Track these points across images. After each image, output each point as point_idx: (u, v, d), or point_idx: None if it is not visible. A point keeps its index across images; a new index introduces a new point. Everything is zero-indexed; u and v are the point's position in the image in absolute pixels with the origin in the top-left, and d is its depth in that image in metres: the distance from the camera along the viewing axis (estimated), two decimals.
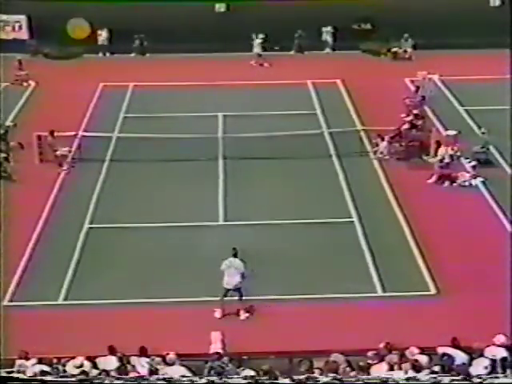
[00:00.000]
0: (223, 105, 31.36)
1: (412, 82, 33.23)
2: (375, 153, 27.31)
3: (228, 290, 19.10)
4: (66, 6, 37.05)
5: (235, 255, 19.31)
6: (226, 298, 19.09)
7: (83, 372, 15.89)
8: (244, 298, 19.24)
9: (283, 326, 18.40)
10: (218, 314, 19.01)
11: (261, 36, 37.56)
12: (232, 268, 19.10)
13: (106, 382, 14.78)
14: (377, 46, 38.42)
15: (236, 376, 15.60)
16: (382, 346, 16.65)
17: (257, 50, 37.54)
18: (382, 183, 25.53)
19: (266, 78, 34.26)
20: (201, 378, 15.29)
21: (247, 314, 19.08)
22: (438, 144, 26.49)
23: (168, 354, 16.55)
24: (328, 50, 39.38)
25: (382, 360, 16.34)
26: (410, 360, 16.08)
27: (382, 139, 27.26)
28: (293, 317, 18.72)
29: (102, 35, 38.70)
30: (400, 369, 15.82)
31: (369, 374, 15.75)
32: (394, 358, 16.32)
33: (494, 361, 16.15)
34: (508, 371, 15.71)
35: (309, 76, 34.94)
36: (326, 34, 39.21)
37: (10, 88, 33.69)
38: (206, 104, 31.58)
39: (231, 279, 19.01)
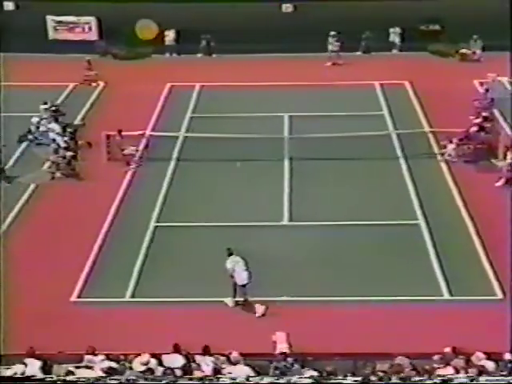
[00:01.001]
0: (289, 105, 31.31)
1: (481, 84, 32.72)
2: (443, 155, 27.03)
3: (243, 285, 19.50)
4: (135, 8, 37.42)
5: (231, 254, 19.69)
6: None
7: (149, 369, 16.07)
8: (308, 298, 19.25)
9: (348, 327, 18.35)
10: (230, 303, 19.44)
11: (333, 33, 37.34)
12: (239, 264, 19.52)
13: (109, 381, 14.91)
14: (445, 47, 37.96)
15: (300, 376, 15.60)
16: (448, 350, 16.48)
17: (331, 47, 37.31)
18: (449, 185, 25.24)
19: (332, 79, 34.11)
20: (266, 377, 15.37)
21: (263, 311, 19.31)
22: (507, 147, 26.10)
23: (232, 353, 16.63)
24: (395, 51, 39.05)
25: (447, 364, 16.17)
26: (476, 365, 15.90)
27: (450, 141, 26.97)
28: (357, 318, 18.66)
29: (170, 36, 38.97)
30: (466, 374, 15.64)
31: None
32: (459, 362, 16.14)
33: None
34: None
35: (376, 77, 34.70)
36: (394, 34, 38.88)
37: (80, 88, 34.17)
38: (272, 104, 31.56)
39: (242, 275, 19.45)
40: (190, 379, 15.32)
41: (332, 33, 37.15)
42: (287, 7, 38.66)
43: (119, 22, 37.42)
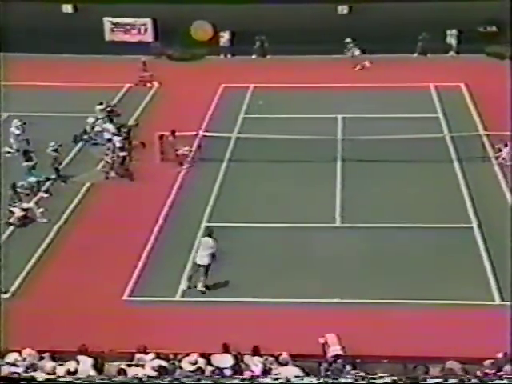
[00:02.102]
0: (343, 107, 31.22)
1: None
2: (497, 158, 26.70)
3: (199, 265, 20.15)
4: (190, 9, 37.66)
5: (209, 235, 20.39)
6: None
7: (198, 368, 16.12)
8: (359, 300, 19.24)
9: (398, 330, 18.23)
10: (184, 285, 20.25)
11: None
12: (204, 245, 20.20)
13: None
14: (502, 49, 37.48)
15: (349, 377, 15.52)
16: (500, 355, 16.26)
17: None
18: (503, 189, 24.94)
19: (388, 81, 33.91)
20: (318, 379, 15.32)
21: (204, 289, 20.04)
22: None
23: (281, 354, 16.60)
24: (452, 53, 38.70)
25: (499, 370, 15.95)
26: None
27: (506, 145, 26.63)
28: (408, 321, 18.53)
29: (224, 37, 39.15)
30: None
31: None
32: (510, 368, 15.90)
33: None
34: None
35: (432, 79, 34.41)
36: (451, 36, 38.55)
37: (135, 89, 34.49)
38: (325, 105, 31.51)
39: (201, 255, 20.13)
40: (242, 380, 15.41)
41: (347, 40, 37.29)
42: (343, 8, 38.54)
43: (175, 23, 37.77)
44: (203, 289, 20.18)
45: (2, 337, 17.56)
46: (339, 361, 16.38)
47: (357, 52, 37.62)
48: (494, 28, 38.03)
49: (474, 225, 22.86)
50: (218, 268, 20.77)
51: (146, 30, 39.34)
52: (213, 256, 20.18)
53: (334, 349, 16.81)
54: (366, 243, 21.94)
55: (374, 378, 12.89)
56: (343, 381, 14.02)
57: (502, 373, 15.66)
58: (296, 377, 15.20)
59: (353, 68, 36.60)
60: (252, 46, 38.86)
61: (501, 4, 36.26)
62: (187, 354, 16.58)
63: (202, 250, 20.27)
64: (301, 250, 21.82)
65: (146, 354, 16.73)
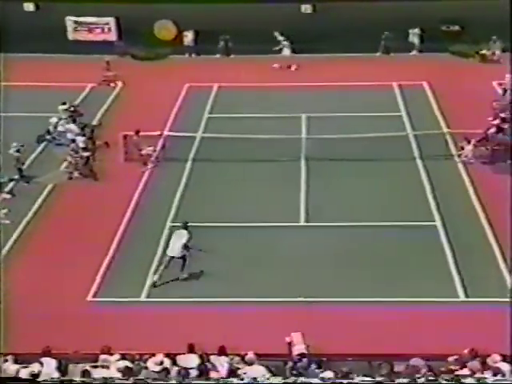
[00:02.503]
0: (307, 106, 31.30)
1: (500, 85, 32.58)
2: (460, 156, 26.92)
3: (171, 257, 20.32)
4: (154, 8, 37.52)
5: (185, 227, 20.68)
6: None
7: (164, 369, 16.09)
8: (324, 299, 19.28)
9: (363, 327, 18.29)
10: (155, 278, 20.29)
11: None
12: (176, 237, 20.44)
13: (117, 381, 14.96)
14: (465, 48, 37.81)
15: (316, 377, 15.59)
16: (466, 351, 16.40)
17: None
18: (466, 187, 25.13)
19: (351, 80, 34.01)
20: (282, 378, 15.39)
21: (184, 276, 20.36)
22: None
23: (247, 353, 16.62)
24: (415, 51, 38.95)
25: (463, 366, 16.09)
26: (491, 367, 15.81)
27: (469, 142, 26.84)
28: (373, 319, 18.58)
29: (188, 36, 39.04)
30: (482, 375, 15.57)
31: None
32: (476, 364, 16.05)
33: None
34: None
35: (395, 78, 34.62)
36: (413, 35, 38.75)
37: (98, 88, 34.29)
38: (290, 105, 31.55)
39: (173, 247, 20.37)
40: (207, 379, 15.44)
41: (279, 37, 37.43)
42: (306, 8, 38.63)
43: (138, 22, 37.56)
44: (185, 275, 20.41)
45: None
46: (304, 360, 16.43)
47: (287, 52, 37.64)
48: (456, 27, 38.32)
49: (438, 222, 23.03)
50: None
51: (109, 29, 39.12)
52: (186, 248, 20.29)
53: (299, 348, 16.87)
54: (331, 242, 22.01)
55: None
56: (308, 380, 14.15)
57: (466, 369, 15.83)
58: (262, 376, 15.34)
59: (288, 68, 36.66)
60: (216, 46, 38.82)
61: (463, 3, 36.61)
62: (153, 355, 16.56)
63: (175, 241, 20.41)
64: (265, 249, 21.84)
65: (111, 355, 16.68)
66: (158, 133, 28.01)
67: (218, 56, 39.02)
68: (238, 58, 37.88)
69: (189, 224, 20.86)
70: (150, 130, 27.60)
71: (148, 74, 35.41)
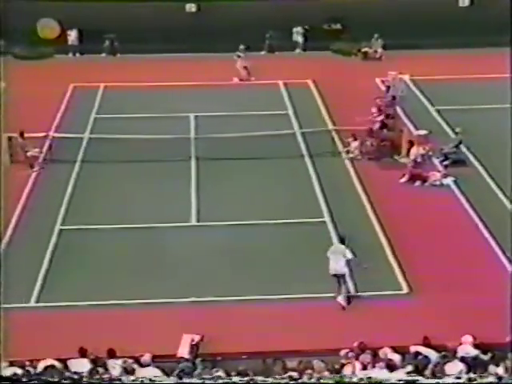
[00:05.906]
0: (194, 105, 31.29)
1: (383, 81, 33.35)
2: (347, 152, 27.39)
3: (335, 275, 19.34)
4: (35, 6, 36.81)
5: (342, 242, 19.80)
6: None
7: (53, 367, 15.82)
8: (217, 298, 19.32)
9: (257, 326, 18.38)
10: (342, 302, 19.19)
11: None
12: (336, 253, 19.46)
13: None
14: (347, 46, 38.57)
15: (209, 376, 15.60)
16: (355, 345, 16.72)
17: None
18: (354, 183, 25.60)
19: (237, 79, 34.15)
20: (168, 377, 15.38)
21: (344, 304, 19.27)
22: (411, 144, 26.70)
23: (142, 355, 16.53)
24: (299, 50, 39.47)
25: (356, 359, 16.40)
26: (383, 359, 16.16)
27: (355, 139, 27.32)
28: (265, 317, 18.69)
29: (72, 35, 38.50)
30: (373, 368, 15.90)
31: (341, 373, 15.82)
32: (367, 357, 16.39)
33: (466, 359, 16.28)
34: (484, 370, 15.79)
35: (280, 76, 34.98)
36: (297, 34, 39.30)
37: None
38: (178, 104, 31.49)
39: (334, 264, 19.30)
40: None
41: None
42: (191, 7, 38.64)
43: (19, 20, 36.66)
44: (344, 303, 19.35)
45: None
46: (197, 360, 16.50)
47: None
48: (338, 25, 39.05)
49: (327, 219, 23.37)
50: (74, 271, 20.47)
51: None
52: (347, 263, 19.37)
53: (181, 351, 16.92)
54: (222, 241, 22.05)
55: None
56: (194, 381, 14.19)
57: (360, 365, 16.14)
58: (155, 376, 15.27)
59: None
60: (101, 45, 38.37)
61: (344, 2, 37.37)
62: (43, 359, 16.26)
63: (334, 258, 19.46)
64: (157, 250, 21.72)
65: None
66: (44, 134, 27.51)
67: (103, 55, 38.58)
68: (125, 58, 37.58)
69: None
70: (36, 131, 27.10)
71: (31, 74, 34.71)
